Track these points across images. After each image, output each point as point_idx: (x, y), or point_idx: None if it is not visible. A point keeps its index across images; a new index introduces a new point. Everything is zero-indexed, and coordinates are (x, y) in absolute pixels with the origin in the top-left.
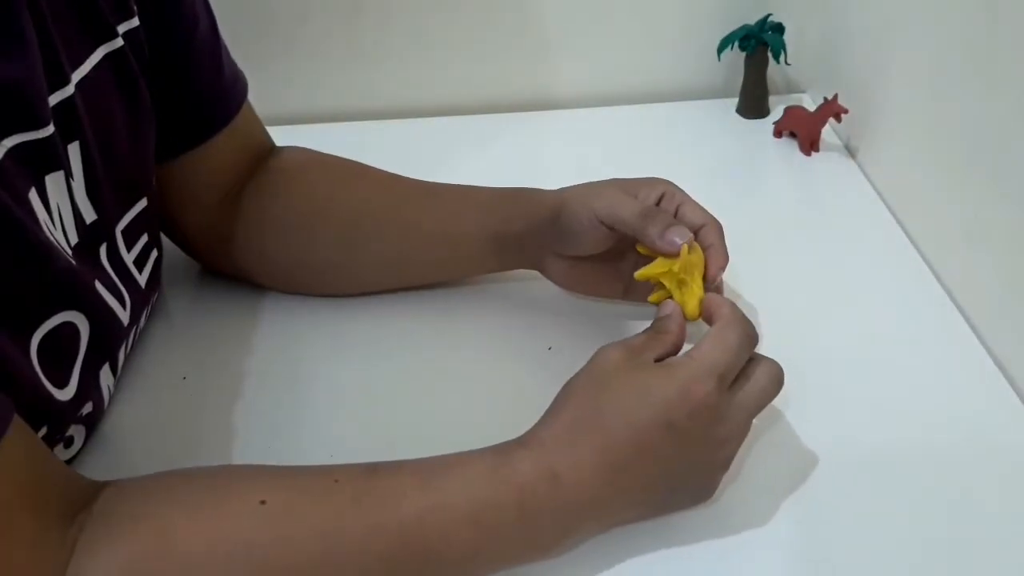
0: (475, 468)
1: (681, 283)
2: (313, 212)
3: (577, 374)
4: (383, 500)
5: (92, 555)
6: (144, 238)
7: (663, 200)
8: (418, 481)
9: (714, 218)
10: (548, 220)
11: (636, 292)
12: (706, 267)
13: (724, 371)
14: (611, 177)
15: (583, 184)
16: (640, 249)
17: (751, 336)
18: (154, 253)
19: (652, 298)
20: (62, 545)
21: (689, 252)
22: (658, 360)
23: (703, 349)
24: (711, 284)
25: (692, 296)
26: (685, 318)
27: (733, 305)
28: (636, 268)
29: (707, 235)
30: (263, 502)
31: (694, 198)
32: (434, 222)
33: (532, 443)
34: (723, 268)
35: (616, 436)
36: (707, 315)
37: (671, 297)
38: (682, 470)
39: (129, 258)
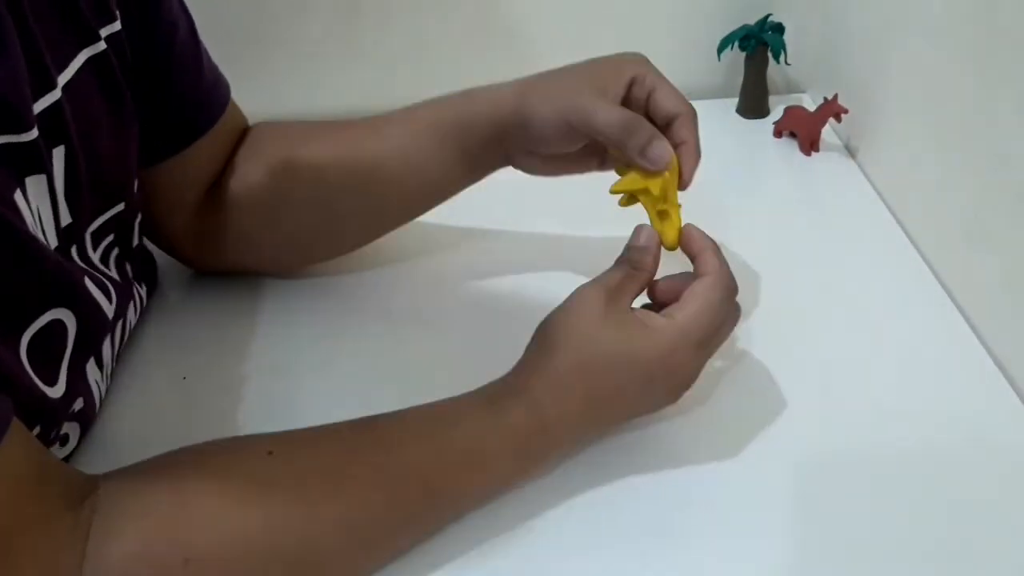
0: (470, 418)
1: (661, 214)
2: (274, 184)
3: (559, 317)
4: (385, 446)
5: (110, 533)
6: (110, 237)
7: (634, 86)
8: (417, 428)
9: (688, 105)
10: (514, 123)
11: (612, 161)
12: (680, 172)
13: (705, 337)
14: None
15: (547, 79)
16: (613, 151)
17: (733, 290)
18: (116, 250)
19: (615, 188)
20: (75, 531)
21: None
22: (633, 298)
23: (689, 313)
24: (685, 187)
25: (672, 227)
26: (664, 247)
27: (717, 252)
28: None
29: (680, 129)
30: (270, 452)
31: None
32: (396, 153)
33: (522, 392)
34: (695, 167)
35: (601, 392)
36: (688, 249)
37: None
38: (643, 406)
39: (95, 256)
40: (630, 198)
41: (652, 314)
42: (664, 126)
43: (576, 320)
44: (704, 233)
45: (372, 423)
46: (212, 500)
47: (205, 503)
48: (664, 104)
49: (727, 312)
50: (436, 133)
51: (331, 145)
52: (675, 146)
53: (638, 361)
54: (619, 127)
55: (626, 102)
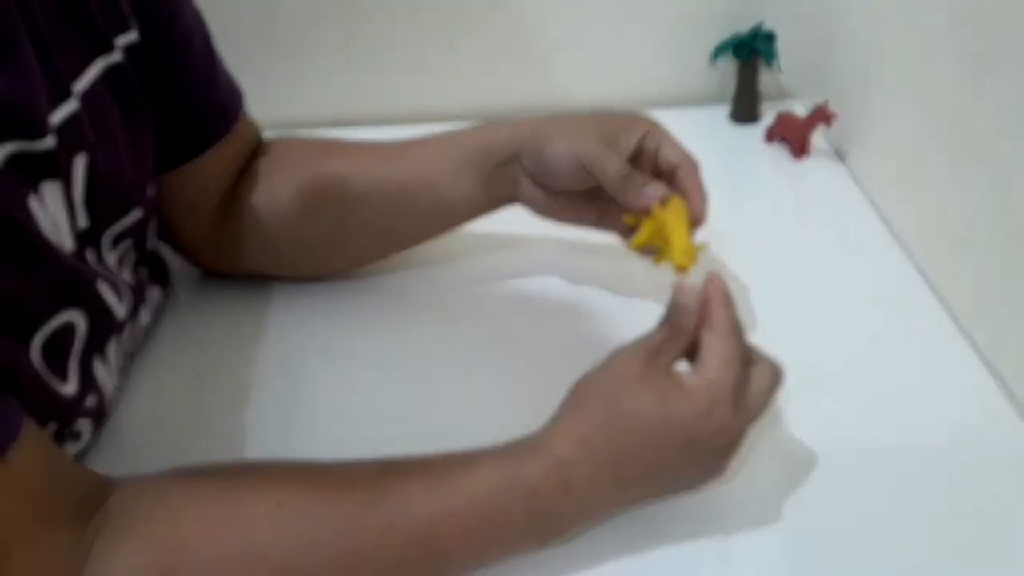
0: (487, 473)
1: (665, 238)
2: (297, 195)
3: (594, 376)
4: (396, 504)
5: (108, 558)
6: (128, 242)
7: (644, 139)
8: (429, 485)
9: (690, 157)
10: (529, 148)
11: (609, 223)
12: (693, 212)
13: (737, 387)
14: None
15: (566, 119)
16: (627, 221)
17: (743, 339)
18: (133, 255)
19: (635, 244)
20: (77, 548)
21: (664, 205)
22: (675, 360)
23: (712, 367)
24: (700, 225)
25: (676, 250)
26: (677, 271)
27: (727, 306)
28: (610, 198)
29: (684, 176)
30: (279, 504)
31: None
32: (419, 173)
33: (545, 450)
34: (705, 205)
35: (632, 456)
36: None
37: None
38: (685, 479)
39: (111, 260)
40: (658, 248)
41: (687, 374)
42: (670, 175)
43: (610, 380)
44: (719, 283)
45: (387, 471)
46: (214, 549)
47: (206, 551)
48: (669, 156)
49: (744, 353)
50: (459, 157)
51: (357, 162)
52: (682, 191)
53: (676, 423)
54: (621, 177)
55: (637, 152)
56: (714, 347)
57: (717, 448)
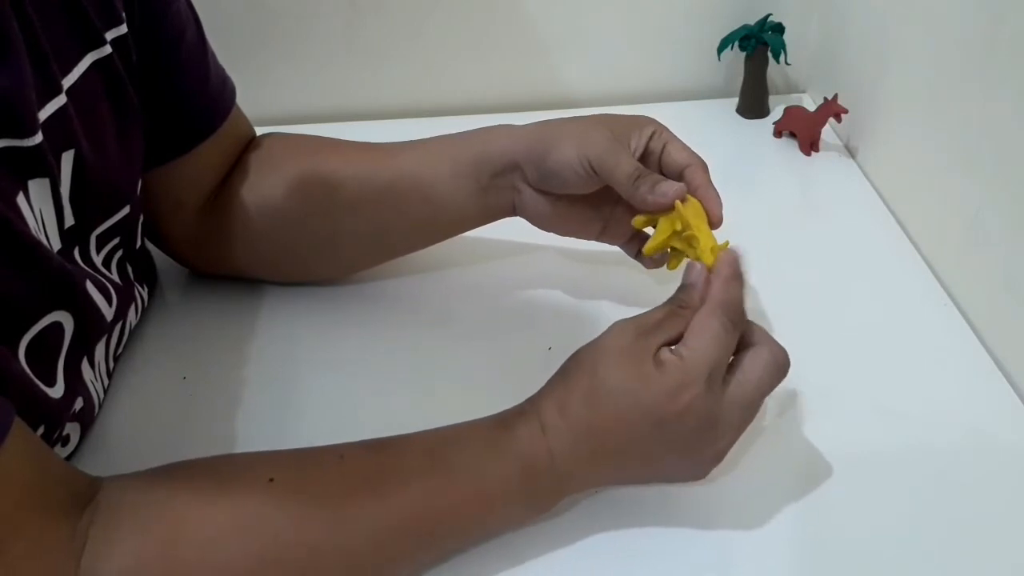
0: (479, 443)
1: (689, 239)
2: (287, 193)
3: (585, 347)
4: (390, 478)
5: (106, 546)
6: (115, 240)
7: (652, 140)
8: (423, 460)
9: (698, 157)
10: (530, 158)
11: (613, 233)
12: (708, 212)
13: (713, 368)
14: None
15: (570, 122)
16: (636, 224)
17: (735, 318)
18: (120, 252)
19: (671, 266)
20: (71, 541)
21: (683, 204)
22: (672, 341)
23: (689, 344)
24: (716, 228)
25: (704, 249)
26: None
27: (728, 282)
28: (615, 207)
29: (693, 176)
30: (271, 480)
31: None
32: (410, 177)
33: (531, 414)
34: (719, 203)
35: (607, 427)
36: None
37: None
38: (671, 460)
39: (98, 259)
40: (674, 256)
41: (668, 352)
42: (677, 176)
43: (597, 352)
44: (732, 261)
45: (378, 448)
46: (210, 526)
47: (203, 528)
48: (676, 156)
49: (731, 333)
50: (452, 164)
51: (348, 163)
52: (693, 191)
53: (646, 400)
54: (632, 178)
55: (644, 152)
56: (698, 323)
57: (689, 431)
